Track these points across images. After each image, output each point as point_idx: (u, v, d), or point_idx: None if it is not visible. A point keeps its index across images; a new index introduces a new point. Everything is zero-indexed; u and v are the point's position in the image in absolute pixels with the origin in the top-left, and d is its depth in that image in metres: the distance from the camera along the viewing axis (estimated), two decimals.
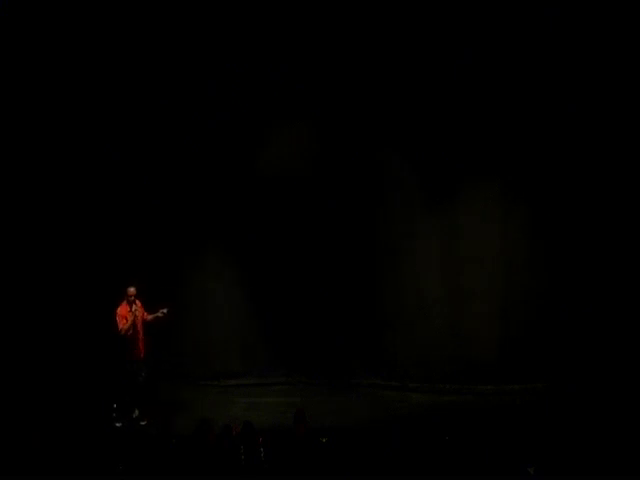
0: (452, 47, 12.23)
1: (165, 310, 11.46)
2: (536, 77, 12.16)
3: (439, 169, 12.54)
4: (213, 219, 13.09)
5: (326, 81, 12.64)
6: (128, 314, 11.25)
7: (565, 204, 12.27)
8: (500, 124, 12.34)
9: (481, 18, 12.14)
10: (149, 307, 11.61)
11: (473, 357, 12.53)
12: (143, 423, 11.31)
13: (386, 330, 12.92)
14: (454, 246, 12.62)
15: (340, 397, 12.47)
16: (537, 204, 12.40)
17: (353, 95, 12.65)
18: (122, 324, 11.20)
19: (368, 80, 12.56)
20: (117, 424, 11.24)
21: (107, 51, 12.57)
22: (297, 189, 12.89)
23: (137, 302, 11.37)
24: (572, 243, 12.27)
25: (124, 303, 11.32)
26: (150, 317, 11.51)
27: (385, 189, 12.82)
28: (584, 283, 12.20)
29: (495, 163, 12.47)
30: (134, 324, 11.29)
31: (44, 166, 12.70)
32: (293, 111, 12.80)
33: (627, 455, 8.07)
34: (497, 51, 12.18)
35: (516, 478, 7.88)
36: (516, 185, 12.46)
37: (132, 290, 11.33)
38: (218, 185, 13.00)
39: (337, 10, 12.37)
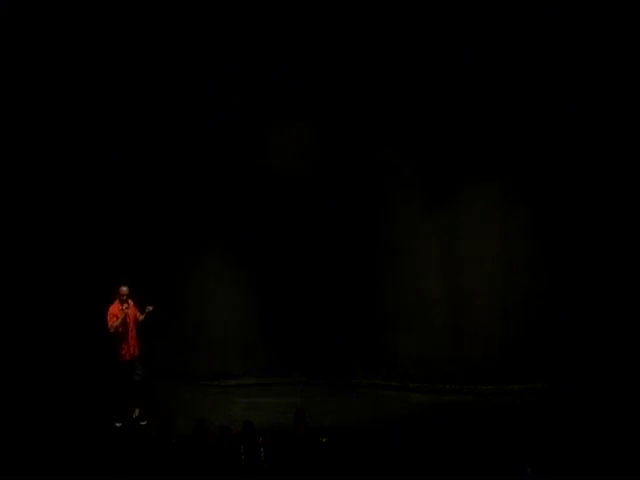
0: (452, 47, 12.24)
1: (151, 307, 11.42)
2: (536, 77, 12.16)
3: (439, 169, 12.54)
4: (213, 219, 13.09)
5: (326, 81, 12.64)
6: (119, 312, 11.24)
7: (565, 204, 12.27)
8: (500, 124, 12.34)
9: (481, 18, 12.14)
10: (143, 306, 11.59)
11: (473, 357, 12.52)
12: (143, 423, 11.31)
13: (386, 330, 12.92)
14: (454, 246, 12.62)
15: (340, 397, 12.47)
16: (537, 204, 12.40)
17: (353, 95, 12.65)
18: (112, 322, 11.19)
19: (368, 80, 12.56)
20: (117, 424, 11.24)
21: (107, 51, 12.58)
22: (297, 189, 12.89)
23: (129, 301, 11.35)
24: (572, 243, 12.26)
25: (116, 302, 11.31)
26: (142, 317, 11.49)
27: (385, 189, 12.82)
28: (584, 283, 12.19)
29: (495, 163, 12.47)
30: (125, 323, 11.27)
31: (44, 166, 12.70)
32: (293, 111, 12.80)
33: (627, 455, 8.07)
34: (497, 51, 12.18)
35: (516, 478, 7.88)
36: (516, 185, 12.46)
37: (124, 289, 11.32)
38: (218, 185, 13.00)
39: (337, 10, 12.38)
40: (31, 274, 12.71)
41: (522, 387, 12.25)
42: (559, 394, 11.83)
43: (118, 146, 12.78)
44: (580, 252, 12.22)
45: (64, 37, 12.45)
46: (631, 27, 11.75)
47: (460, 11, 12.16)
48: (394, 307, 12.86)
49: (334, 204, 12.86)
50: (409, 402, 12.30)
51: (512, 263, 12.48)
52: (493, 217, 12.52)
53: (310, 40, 12.51)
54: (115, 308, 11.30)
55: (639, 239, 12.02)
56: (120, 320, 11.21)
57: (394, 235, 12.79)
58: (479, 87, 12.30)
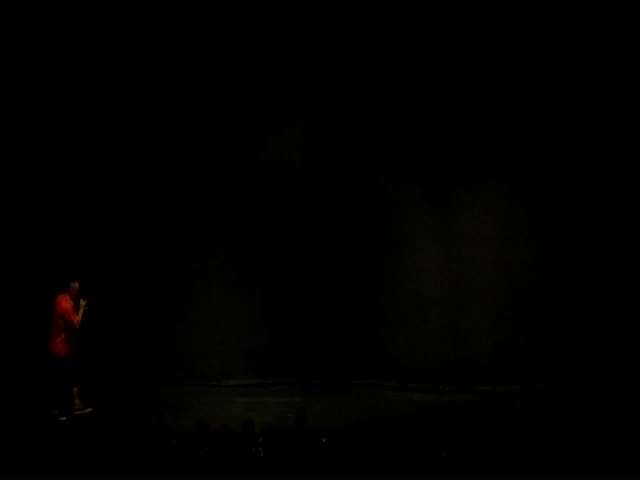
0: (452, 47, 12.25)
1: (84, 303, 11.36)
2: (536, 77, 12.17)
3: (439, 169, 12.55)
4: (214, 219, 13.10)
5: (326, 81, 12.67)
6: (72, 307, 11.22)
7: (565, 204, 12.28)
8: (500, 124, 12.35)
9: (481, 18, 12.15)
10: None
11: (473, 357, 12.53)
12: (63, 419, 11.02)
13: (386, 330, 12.92)
14: (454, 246, 12.62)
15: (340, 397, 12.47)
16: (537, 204, 12.41)
17: (353, 95, 12.67)
18: (76, 318, 11.17)
19: (368, 80, 12.58)
20: (61, 418, 10.90)
21: (107, 51, 12.60)
22: (297, 189, 12.91)
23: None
24: (572, 243, 12.27)
25: (68, 297, 11.25)
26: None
27: (385, 189, 12.83)
28: (584, 283, 12.19)
29: (495, 163, 12.48)
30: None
31: (44, 166, 12.71)
32: (293, 111, 12.81)
33: (627, 455, 8.07)
34: (497, 51, 12.19)
35: (516, 478, 7.87)
36: (516, 185, 12.47)
37: (77, 285, 11.28)
38: (219, 185, 13.02)
39: (338, 10, 12.39)
40: (31, 274, 12.72)
41: (522, 387, 12.25)
42: (559, 394, 11.83)
43: (118, 146, 12.79)
44: (580, 252, 12.23)
45: (64, 36, 12.48)
46: (631, 27, 11.76)
47: (460, 11, 12.17)
48: (394, 307, 12.86)
49: (334, 204, 12.87)
50: (409, 402, 12.30)
51: (512, 263, 12.48)
52: (493, 217, 12.52)
53: (310, 40, 12.54)
54: (69, 303, 11.24)
55: (639, 239, 12.04)
56: (80, 316, 11.20)
57: (394, 235, 12.79)
58: (479, 87, 12.31)
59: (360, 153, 12.80)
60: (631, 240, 12.04)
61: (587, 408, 10.97)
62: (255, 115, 12.86)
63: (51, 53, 12.53)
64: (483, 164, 12.46)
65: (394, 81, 12.54)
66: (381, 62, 12.51)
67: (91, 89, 12.67)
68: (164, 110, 12.81)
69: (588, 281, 12.17)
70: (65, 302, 11.26)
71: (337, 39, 12.50)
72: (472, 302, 12.55)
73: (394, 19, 12.36)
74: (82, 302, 11.31)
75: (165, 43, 12.65)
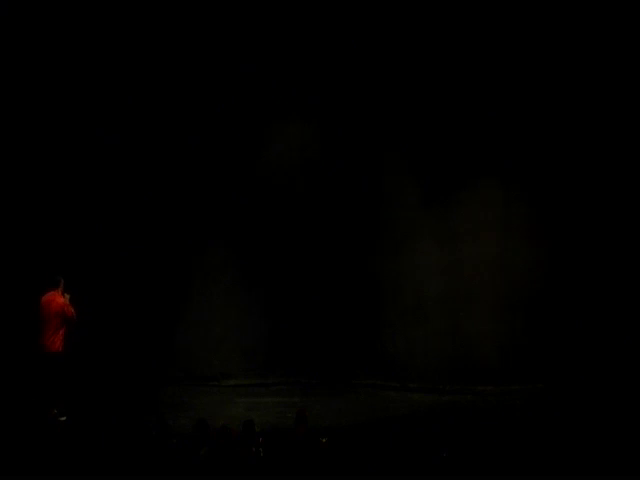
0: (452, 47, 12.26)
1: (69, 297, 11.26)
2: (536, 77, 12.19)
3: (439, 169, 12.56)
4: (214, 219, 13.10)
5: (326, 81, 12.68)
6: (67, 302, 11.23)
7: (566, 204, 12.30)
8: (500, 124, 12.37)
9: (481, 17, 12.16)
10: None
11: (473, 357, 12.54)
12: (63, 419, 10.99)
13: (386, 330, 12.93)
14: (454, 246, 12.64)
15: (340, 397, 12.47)
16: (537, 204, 12.42)
17: (353, 96, 12.68)
18: (74, 312, 11.13)
19: (368, 80, 12.60)
20: (61, 418, 10.89)
21: (107, 51, 12.62)
22: (297, 189, 12.91)
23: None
24: (572, 243, 12.28)
25: (59, 293, 11.26)
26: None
27: (385, 189, 12.84)
28: (584, 283, 12.21)
29: (495, 163, 12.49)
30: None
31: (44, 167, 12.72)
32: (293, 111, 12.82)
33: (627, 455, 8.07)
34: (497, 51, 12.21)
35: (516, 478, 7.88)
36: (516, 185, 12.48)
37: (62, 280, 11.30)
38: (220, 185, 13.02)
39: (338, 10, 12.41)
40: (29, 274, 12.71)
41: (522, 387, 12.26)
42: (559, 394, 11.83)
43: (118, 146, 12.81)
44: (580, 251, 12.25)
45: (64, 37, 12.50)
46: (631, 27, 11.77)
47: (460, 10, 12.18)
48: (394, 307, 12.87)
49: (334, 204, 12.88)
50: (409, 402, 12.30)
51: (512, 263, 12.50)
52: (493, 217, 12.54)
53: (310, 41, 12.57)
54: (63, 298, 11.23)
55: (639, 240, 12.04)
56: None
57: (394, 235, 12.81)
58: (479, 87, 12.33)
59: (360, 153, 12.81)
60: (631, 240, 12.05)
61: (587, 408, 10.98)
62: (255, 115, 12.86)
63: (51, 53, 12.55)
64: (482, 164, 12.48)
65: (394, 81, 12.56)
66: (381, 62, 12.53)
67: (91, 89, 12.69)
68: (164, 110, 12.81)
69: (588, 281, 12.19)
70: (60, 298, 11.22)
71: (337, 39, 12.52)
72: (472, 302, 12.57)
73: (394, 19, 12.39)
74: (67, 295, 11.28)
75: (165, 43, 12.68)
